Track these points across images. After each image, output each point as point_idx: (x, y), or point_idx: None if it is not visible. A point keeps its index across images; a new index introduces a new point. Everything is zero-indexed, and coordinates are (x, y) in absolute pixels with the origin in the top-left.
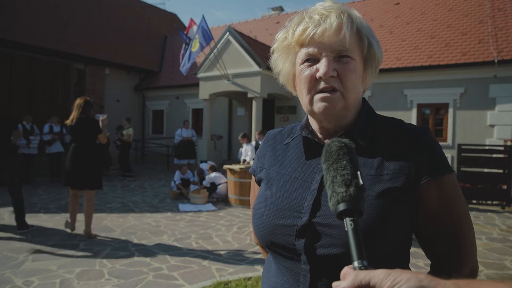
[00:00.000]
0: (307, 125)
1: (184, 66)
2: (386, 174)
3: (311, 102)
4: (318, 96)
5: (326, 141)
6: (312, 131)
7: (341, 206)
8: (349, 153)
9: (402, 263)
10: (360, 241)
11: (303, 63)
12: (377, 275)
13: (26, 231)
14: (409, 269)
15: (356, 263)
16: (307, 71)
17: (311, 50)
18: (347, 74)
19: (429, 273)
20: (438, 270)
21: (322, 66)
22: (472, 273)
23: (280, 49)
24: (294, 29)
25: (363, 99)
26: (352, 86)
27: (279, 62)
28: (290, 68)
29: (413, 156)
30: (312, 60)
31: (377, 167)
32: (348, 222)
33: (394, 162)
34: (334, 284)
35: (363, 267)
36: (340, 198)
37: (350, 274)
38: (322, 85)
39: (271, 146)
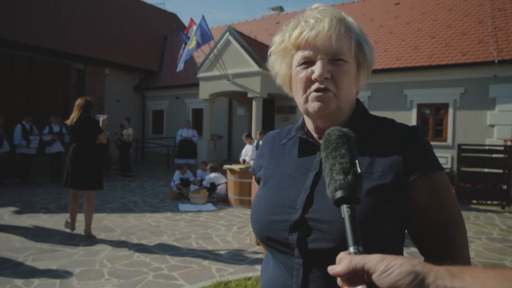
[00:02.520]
0: (303, 126)
1: (180, 63)
2: (376, 172)
3: (306, 101)
4: (312, 96)
5: (321, 141)
6: (307, 132)
7: (339, 193)
8: (348, 142)
9: None
10: (357, 227)
11: (299, 65)
12: (372, 259)
13: None
14: None
15: (351, 249)
16: (303, 73)
17: (306, 53)
18: (341, 76)
19: None
20: None
21: (317, 68)
22: None
23: (277, 51)
24: (291, 32)
25: (357, 100)
26: (345, 87)
27: (276, 65)
28: (287, 70)
29: (403, 154)
30: (308, 62)
31: (368, 165)
32: (345, 209)
33: (384, 160)
34: (330, 268)
35: (359, 253)
36: (338, 185)
37: (345, 259)
38: (316, 86)
39: (269, 146)
